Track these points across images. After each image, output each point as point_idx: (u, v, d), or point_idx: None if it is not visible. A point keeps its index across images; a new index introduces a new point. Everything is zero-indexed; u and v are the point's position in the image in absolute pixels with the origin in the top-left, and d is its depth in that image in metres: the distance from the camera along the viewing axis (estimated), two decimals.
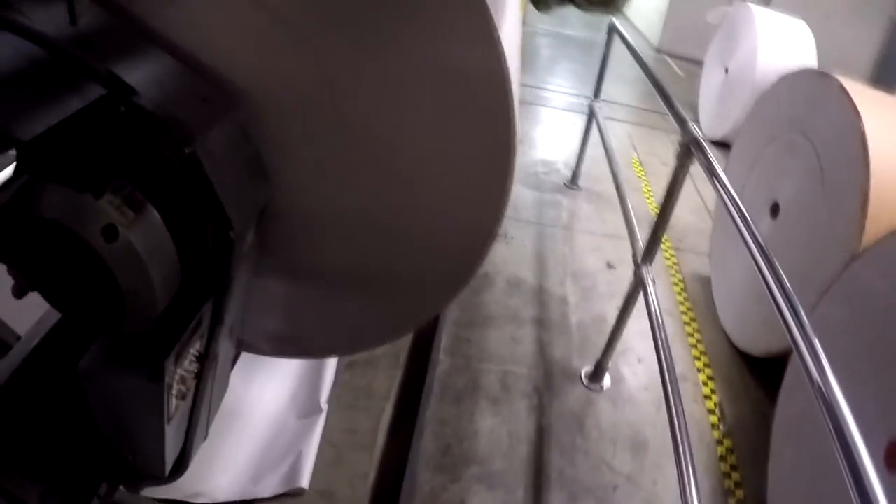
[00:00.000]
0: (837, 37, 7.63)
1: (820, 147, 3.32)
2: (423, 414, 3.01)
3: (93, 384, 1.32)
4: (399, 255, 1.73)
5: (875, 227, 2.80)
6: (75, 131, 1.13)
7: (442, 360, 3.35)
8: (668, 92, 2.95)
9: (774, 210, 3.72)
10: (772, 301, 1.82)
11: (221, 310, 1.42)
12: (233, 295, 1.43)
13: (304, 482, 2.64)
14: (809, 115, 3.49)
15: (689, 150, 2.45)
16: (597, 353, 3.55)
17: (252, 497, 2.58)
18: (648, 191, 6.01)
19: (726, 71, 7.80)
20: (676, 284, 4.55)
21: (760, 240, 2.02)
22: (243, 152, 1.41)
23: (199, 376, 1.47)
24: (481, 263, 1.74)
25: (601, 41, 5.16)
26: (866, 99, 3.09)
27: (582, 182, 5.65)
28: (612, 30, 4.72)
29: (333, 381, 3.13)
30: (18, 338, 1.91)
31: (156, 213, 1.16)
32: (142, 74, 1.22)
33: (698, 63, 9.83)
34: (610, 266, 4.56)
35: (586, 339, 3.78)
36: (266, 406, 2.96)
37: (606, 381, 3.47)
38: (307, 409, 2.97)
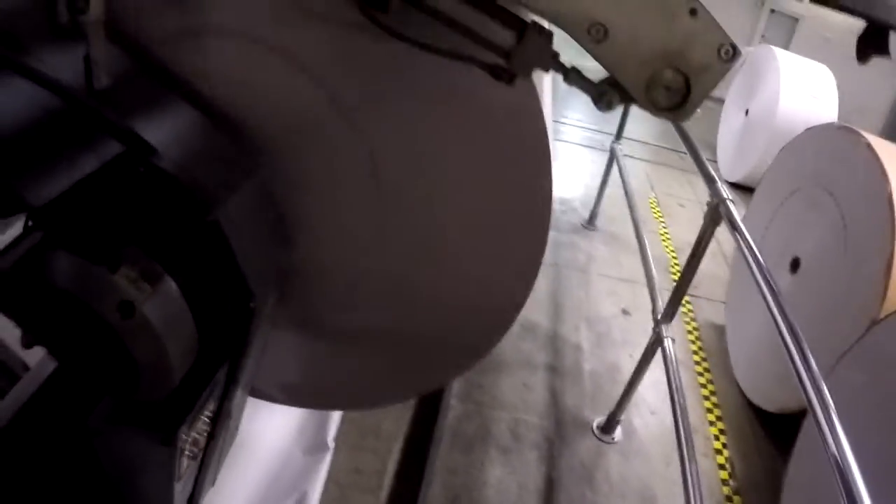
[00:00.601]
0: (855, 80, 7.55)
1: (844, 205, 3.28)
2: (433, 461, 2.97)
3: (101, 441, 1.30)
4: (421, 319, 1.70)
5: None
6: (90, 195, 1.08)
7: (453, 406, 3.32)
8: (696, 147, 2.92)
9: (794, 265, 3.68)
10: (788, 361, 1.81)
11: (237, 371, 1.39)
12: (249, 356, 1.41)
13: None
14: (835, 172, 3.46)
15: (718, 210, 2.42)
16: (609, 402, 3.51)
17: None
18: (665, 233, 5.97)
19: (746, 113, 7.75)
20: (691, 332, 4.51)
21: (780, 299, 2.02)
22: (266, 216, 1.37)
23: (212, 436, 1.45)
24: (505, 333, 1.71)
25: None
26: (894, 159, 3.05)
27: (599, 222, 5.62)
28: None
29: (341, 417, 3.07)
30: (25, 367, 1.89)
31: (173, 286, 1.12)
32: (162, 130, 1.17)
33: (716, 100, 9.81)
34: (625, 312, 4.52)
35: (599, 388, 3.74)
36: (272, 438, 2.83)
37: (618, 432, 3.43)
38: (314, 446, 2.87)
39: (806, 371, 1.74)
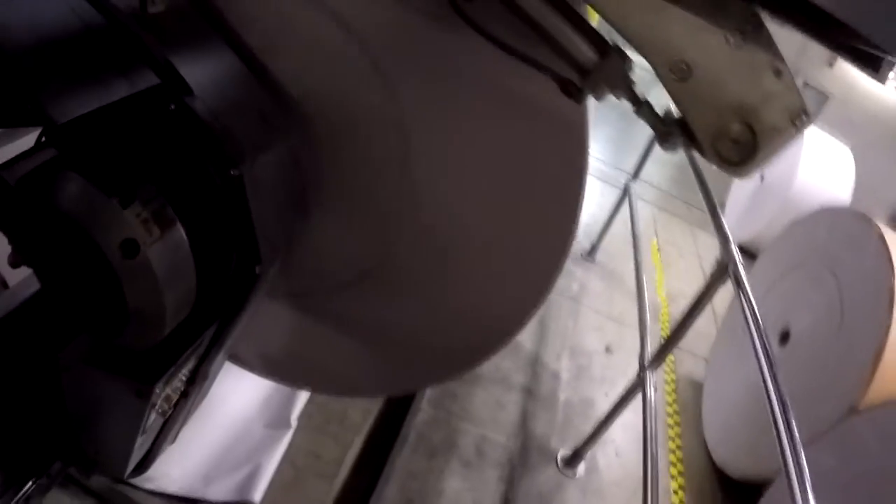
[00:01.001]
0: (871, 164, 7.56)
1: (846, 289, 3.26)
2: (394, 461, 2.93)
3: (70, 378, 1.26)
4: (424, 319, 1.67)
5: (881, 385, 2.74)
6: (115, 122, 1.04)
7: (423, 410, 3.28)
8: (715, 204, 2.90)
9: (784, 337, 3.67)
10: (774, 430, 1.88)
11: (224, 334, 1.36)
12: (240, 321, 1.38)
13: (257, 497, 2.53)
14: (842, 255, 3.44)
15: (726, 271, 2.40)
16: (576, 436, 3.48)
17: (199, 497, 2.48)
18: (661, 280, 5.95)
19: (762, 178, 7.74)
20: (668, 384, 4.48)
21: (775, 368, 2.09)
22: (289, 182, 1.33)
23: (185, 395, 1.41)
24: (497, 352, 1.68)
25: None
26: None
27: (599, 256, 5.59)
28: (667, 114, 4.65)
29: (308, 398, 3.03)
30: (4, 285, 1.84)
31: (183, 234, 1.07)
32: (203, 72, 1.13)
33: None
34: (608, 350, 4.49)
35: (569, 420, 3.70)
36: (234, 405, 2.83)
37: (581, 468, 3.39)
38: (276, 421, 2.85)
39: (789, 443, 1.80)
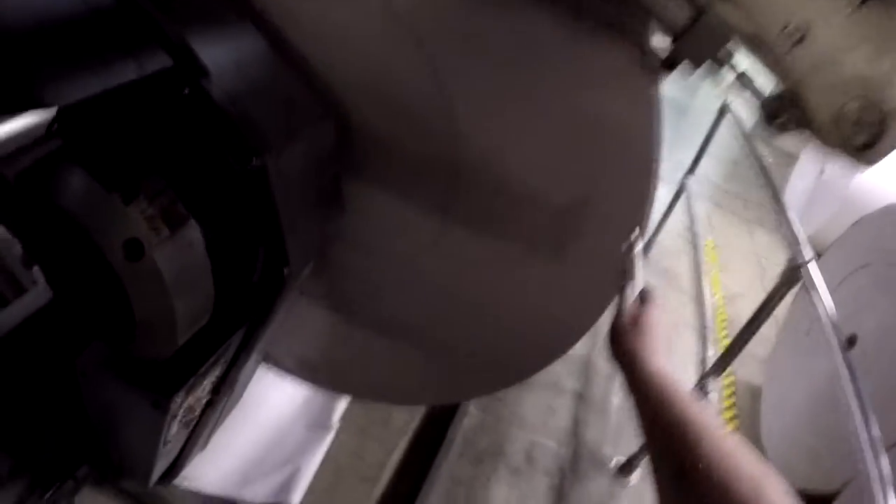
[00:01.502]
0: None
1: None
2: (439, 466, 2.82)
3: (88, 384, 1.16)
4: (464, 330, 1.54)
5: None
6: (121, 108, 0.92)
7: (471, 413, 3.16)
8: (783, 202, 2.72)
9: (851, 342, 3.46)
10: (853, 436, 1.82)
11: (252, 341, 1.24)
12: (269, 327, 1.26)
13: (295, 499, 2.46)
14: None
15: (797, 274, 2.24)
16: (631, 442, 3.33)
17: (236, 498, 2.41)
18: (717, 279, 5.75)
19: (822, 172, 7.46)
20: (726, 388, 4.29)
21: (855, 374, 2.03)
22: (321, 174, 1.20)
23: (210, 403, 1.30)
24: (547, 366, 1.56)
25: (695, 106, 4.89)
26: None
27: (653, 253, 5.40)
28: (723, 110, 4.45)
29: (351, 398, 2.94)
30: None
31: (198, 233, 0.95)
32: (221, 52, 1.00)
33: (787, 155, 9.49)
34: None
35: (623, 425, 3.55)
36: (274, 406, 2.75)
37: (635, 476, 3.24)
38: (317, 422, 2.77)
39: (869, 447, 1.75)
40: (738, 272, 6.02)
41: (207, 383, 1.21)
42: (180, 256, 0.92)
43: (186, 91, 0.94)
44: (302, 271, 1.19)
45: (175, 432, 1.25)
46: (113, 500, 2.16)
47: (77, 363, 1.13)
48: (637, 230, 1.23)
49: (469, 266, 1.45)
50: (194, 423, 1.32)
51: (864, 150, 0.90)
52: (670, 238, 5.43)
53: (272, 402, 2.74)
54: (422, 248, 1.44)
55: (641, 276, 1.16)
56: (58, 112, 0.90)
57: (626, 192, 1.29)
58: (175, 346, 1.00)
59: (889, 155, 0.91)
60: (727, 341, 4.77)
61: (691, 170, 4.92)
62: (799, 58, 0.88)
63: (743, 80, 0.97)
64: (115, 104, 0.90)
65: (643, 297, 1.12)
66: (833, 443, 3.27)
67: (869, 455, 1.72)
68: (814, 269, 2.23)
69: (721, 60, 0.96)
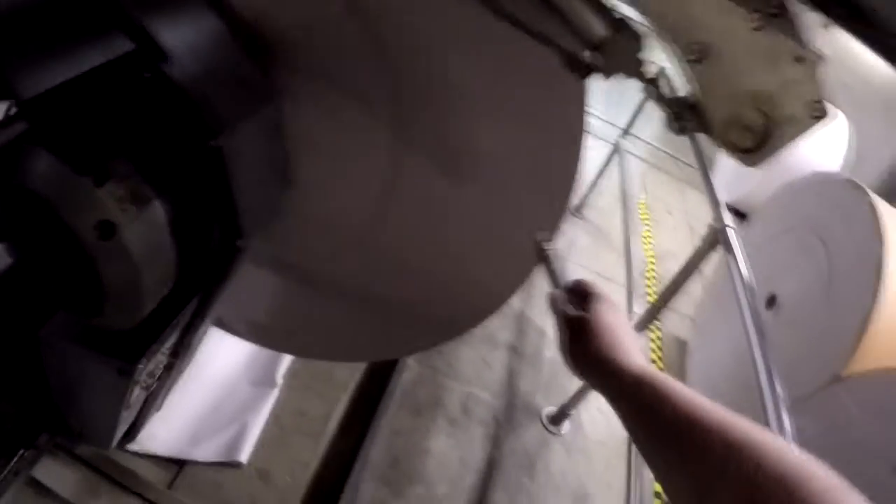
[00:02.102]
0: (864, 128, 7.52)
1: (834, 257, 3.25)
2: (379, 419, 2.93)
3: (51, 354, 1.23)
4: (405, 287, 1.63)
5: (866, 354, 2.75)
6: (87, 93, 0.97)
7: (409, 367, 3.27)
8: (706, 166, 2.87)
9: (771, 301, 3.66)
10: (759, 396, 1.92)
11: (206, 307, 1.33)
12: (222, 292, 1.35)
13: (244, 456, 2.52)
14: (832, 222, 3.42)
15: (718, 237, 2.39)
16: (562, 393, 3.49)
17: (186, 458, 2.46)
18: (648, 235, 5.94)
19: None
20: (654, 341, 4.49)
21: (763, 337, 2.12)
22: (272, 152, 1.28)
23: (169, 367, 1.39)
24: (486, 319, 1.66)
25: None
26: (893, 223, 3.02)
27: (587, 212, 5.55)
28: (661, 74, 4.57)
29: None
30: None
31: (161, 212, 1.02)
32: (178, 35, 1.04)
33: None
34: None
35: (554, 376, 3.71)
36: (219, 365, 2.81)
37: (566, 426, 3.41)
38: (261, 379, 2.83)
39: (773, 410, 1.84)
40: (669, 231, 6.22)
41: (166, 348, 1.29)
42: (147, 234, 0.99)
43: (147, 75, 1.00)
44: (253, 238, 1.27)
45: (136, 396, 1.32)
46: (68, 468, 2.22)
47: (40, 334, 1.18)
48: (548, 233, 1.26)
49: (402, 223, 1.53)
50: (154, 387, 1.40)
51: (751, 153, 1.03)
52: (604, 198, 5.57)
53: (217, 361, 2.80)
54: (358, 210, 1.53)
55: (567, 276, 1.13)
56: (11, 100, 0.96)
57: (553, 165, 1.37)
58: (141, 317, 1.08)
59: (773, 157, 1.03)
60: (655, 297, 4.98)
61: (626, 130, 5.06)
62: (702, 71, 1.00)
63: (651, 91, 1.08)
64: (82, 89, 0.95)
65: (582, 293, 1.04)
66: (751, 395, 3.47)
67: (772, 412, 1.84)
68: (732, 233, 2.37)
69: (634, 70, 1.07)
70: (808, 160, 6.13)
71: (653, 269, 5.43)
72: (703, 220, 6.61)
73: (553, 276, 1.14)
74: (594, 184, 5.34)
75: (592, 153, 6.46)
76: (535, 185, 1.42)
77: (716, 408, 0.77)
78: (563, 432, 3.40)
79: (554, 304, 1.05)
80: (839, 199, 3.47)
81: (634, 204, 6.25)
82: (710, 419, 0.75)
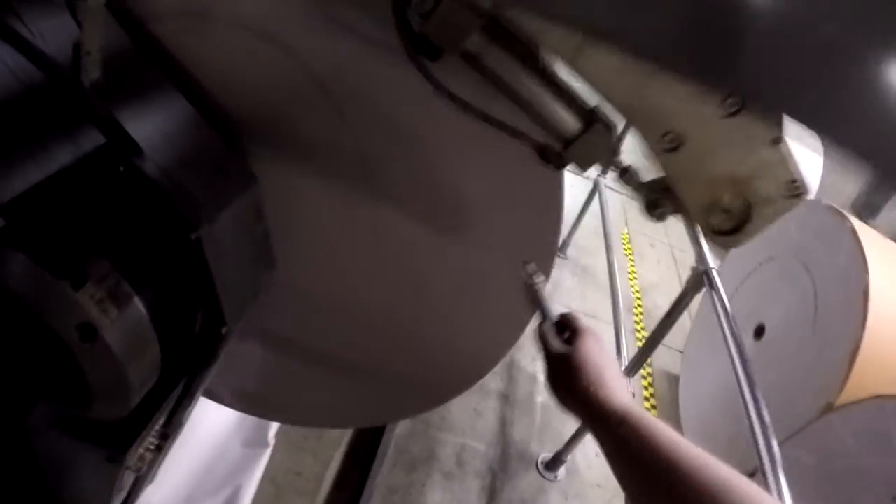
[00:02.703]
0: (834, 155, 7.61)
1: (819, 285, 3.28)
2: (374, 477, 2.91)
3: (40, 440, 1.21)
4: (393, 354, 1.63)
5: (858, 382, 2.76)
6: (61, 192, 0.96)
7: (401, 422, 3.25)
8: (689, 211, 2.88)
9: (759, 332, 3.68)
10: (748, 426, 1.93)
11: (194, 388, 1.32)
12: (210, 372, 1.34)
13: None
14: (815, 250, 3.45)
15: (702, 279, 2.41)
16: (556, 438, 3.49)
17: None
18: (633, 271, 5.97)
19: None
20: (645, 378, 4.49)
21: (748, 367, 2.14)
22: (253, 236, 1.28)
23: (159, 448, 1.37)
24: (473, 384, 1.66)
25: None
26: (876, 248, 3.05)
27: (570, 251, 5.57)
28: None
29: None
30: None
31: (142, 309, 1.00)
32: (152, 125, 1.04)
33: None
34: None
35: (548, 423, 3.71)
36: (210, 426, 2.68)
37: (561, 471, 3.40)
38: (253, 440, 2.75)
39: (763, 440, 1.84)
40: (653, 264, 6.25)
41: (155, 431, 1.28)
42: (129, 332, 0.98)
43: (121, 169, 1.00)
44: (238, 322, 1.26)
45: (126, 479, 1.31)
46: None
47: (28, 422, 1.17)
48: (533, 265, 1.24)
49: (383, 289, 1.53)
50: (145, 469, 1.38)
51: (732, 235, 1.04)
52: (585, 236, 5.60)
53: (207, 422, 2.71)
54: (341, 279, 1.53)
55: (553, 310, 1.14)
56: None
57: (534, 227, 1.39)
58: (129, 409, 1.07)
59: (751, 238, 1.04)
60: (644, 333, 4.99)
61: (604, 171, 5.09)
62: (676, 160, 1.00)
63: (627, 179, 1.09)
64: (55, 188, 0.94)
65: (568, 326, 1.06)
66: (745, 428, 3.46)
67: (762, 443, 1.84)
68: (715, 274, 2.39)
69: (608, 160, 1.09)
70: None
71: (639, 304, 5.44)
72: (686, 250, 6.69)
73: (541, 309, 1.14)
74: (575, 223, 5.37)
75: (573, 190, 6.52)
76: (517, 242, 1.42)
77: (697, 451, 0.79)
78: (559, 478, 3.38)
79: (541, 339, 1.06)
80: (820, 226, 3.50)
81: (617, 241, 6.28)
82: (690, 462, 0.77)
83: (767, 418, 1.91)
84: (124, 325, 0.98)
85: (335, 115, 1.26)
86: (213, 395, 1.96)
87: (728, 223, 1.03)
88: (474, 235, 1.40)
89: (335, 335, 1.64)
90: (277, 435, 2.78)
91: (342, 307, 1.56)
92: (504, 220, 1.38)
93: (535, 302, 1.16)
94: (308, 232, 1.45)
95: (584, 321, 1.06)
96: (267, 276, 1.37)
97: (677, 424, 4.14)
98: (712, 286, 2.35)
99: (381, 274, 1.49)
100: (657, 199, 1.08)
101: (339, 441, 3.02)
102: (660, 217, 1.08)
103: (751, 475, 2.69)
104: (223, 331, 1.17)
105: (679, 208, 1.06)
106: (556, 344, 1.03)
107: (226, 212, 1.10)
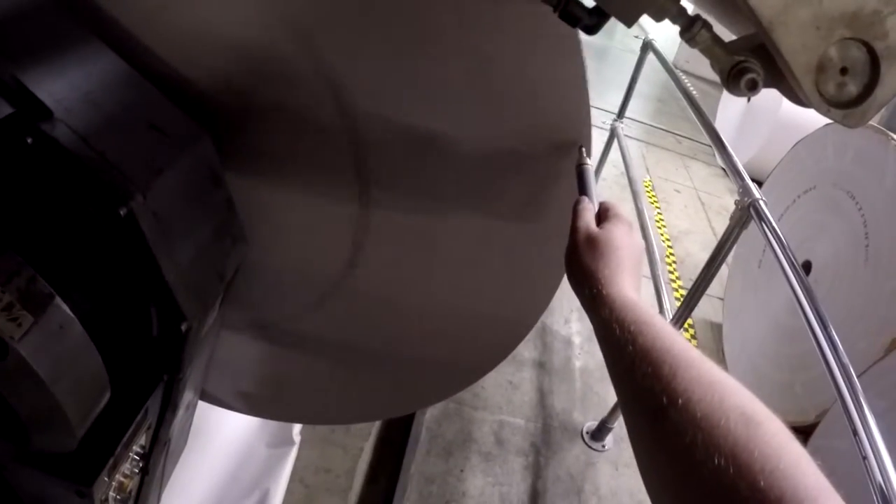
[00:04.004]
0: None
1: (868, 212, 3.01)
2: (408, 467, 2.70)
3: (10, 474, 1.02)
4: (406, 336, 1.43)
5: None
6: None
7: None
8: (724, 141, 2.63)
9: (806, 269, 3.42)
10: (823, 363, 1.75)
11: (173, 395, 1.10)
12: (187, 378, 1.12)
13: None
14: (858, 174, 3.18)
15: (749, 212, 2.16)
16: (600, 404, 3.27)
17: None
18: (660, 219, 5.71)
19: (748, 99, 7.44)
20: (686, 330, 4.25)
21: (815, 299, 1.94)
22: (209, 203, 1.04)
23: (145, 471, 1.17)
24: (510, 352, 1.45)
25: (614, 48, 4.77)
26: None
27: None
28: (647, 47, 4.35)
29: None
30: None
31: (67, 311, 0.79)
32: (66, 85, 0.85)
33: (713, 84, 9.49)
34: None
35: (589, 388, 3.48)
36: (232, 429, 2.56)
37: (609, 440, 3.17)
38: (278, 439, 2.61)
39: (841, 370, 1.68)
40: (680, 210, 6.00)
41: (134, 454, 1.07)
42: (52, 342, 0.76)
43: (29, 140, 0.79)
44: (206, 317, 1.04)
45: None
46: None
47: None
48: (582, 147, 1.14)
49: (399, 264, 1.33)
50: (135, 494, 1.18)
51: (853, 105, 0.75)
52: (607, 187, 5.37)
53: (228, 426, 2.57)
54: (342, 258, 1.32)
55: (596, 193, 1.07)
56: None
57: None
58: (76, 438, 0.86)
59: (881, 108, 0.76)
60: (679, 282, 4.76)
61: (620, 113, 4.83)
62: None
63: (700, 36, 0.81)
64: None
65: (603, 214, 1.00)
66: (802, 373, 3.24)
67: (842, 381, 1.65)
68: (763, 206, 2.15)
69: (665, 9, 0.80)
70: (813, 116, 5.91)
71: (671, 252, 5.20)
72: (713, 192, 6.44)
73: (586, 189, 1.08)
74: (596, 174, 5.11)
75: None
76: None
77: (686, 347, 0.70)
78: (607, 447, 3.15)
79: (575, 209, 1.01)
80: (861, 148, 3.22)
81: (641, 187, 6.03)
82: (676, 352, 0.69)
83: (842, 349, 1.73)
84: (44, 334, 0.75)
85: (308, 55, 1.05)
86: (212, 399, 1.77)
87: (849, 88, 0.75)
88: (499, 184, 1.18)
89: (337, 321, 1.43)
90: (302, 431, 2.61)
91: (337, 287, 1.35)
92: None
93: (582, 182, 1.10)
94: (293, 207, 1.24)
95: (626, 213, 1.01)
96: (236, 254, 1.13)
97: None
98: (761, 218, 2.10)
99: (376, 245, 1.28)
100: (743, 64, 0.78)
101: (367, 431, 2.85)
102: (750, 87, 0.78)
103: (813, 425, 2.48)
104: (183, 328, 0.94)
105: (776, 73, 0.77)
106: (588, 220, 0.98)
107: (164, 177, 0.88)
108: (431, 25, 1.01)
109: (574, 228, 0.97)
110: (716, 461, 0.55)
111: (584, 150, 1.14)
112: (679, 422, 0.60)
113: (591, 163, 1.13)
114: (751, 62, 0.78)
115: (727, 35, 0.87)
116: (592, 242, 0.92)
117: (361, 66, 1.06)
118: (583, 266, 0.90)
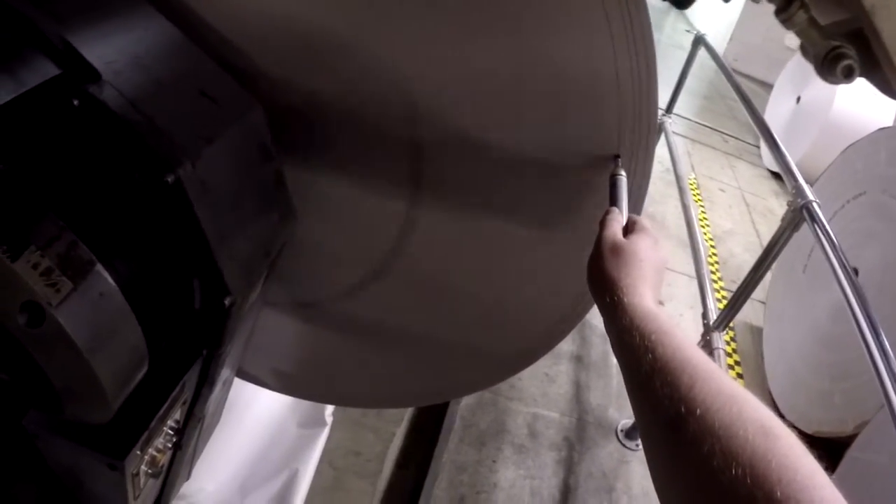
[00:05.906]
0: None
1: None
2: (441, 454, 2.68)
3: (43, 444, 1.01)
4: (446, 325, 1.39)
5: None
6: None
7: None
8: (777, 139, 2.56)
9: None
10: (873, 370, 1.67)
11: (211, 370, 1.08)
12: (227, 354, 1.10)
13: None
14: None
15: (801, 214, 2.10)
16: None
17: None
18: (704, 218, 5.61)
19: (798, 100, 7.27)
20: (727, 332, 4.17)
21: (867, 304, 1.84)
22: (258, 176, 1.02)
23: (179, 446, 1.15)
24: (555, 344, 1.42)
25: (662, 42, 4.67)
26: None
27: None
28: (699, 41, 4.26)
29: None
30: None
31: (108, 279, 0.76)
32: (115, 49, 0.82)
33: (761, 84, 9.32)
34: (659, 303, 4.19)
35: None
36: (264, 407, 2.57)
37: None
38: (309, 420, 2.61)
39: (892, 382, 1.60)
40: (725, 209, 5.90)
41: (168, 429, 1.06)
42: (91, 310, 0.74)
43: (76, 102, 0.76)
44: (251, 292, 1.02)
45: (144, 484, 1.10)
46: None
47: (24, 424, 0.96)
48: (618, 158, 1.15)
49: (446, 251, 1.30)
50: (166, 468, 1.17)
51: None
52: (651, 183, 5.26)
53: (260, 404, 2.56)
54: (389, 239, 1.29)
55: (626, 205, 1.08)
56: None
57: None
58: (111, 410, 0.84)
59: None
60: (721, 283, 4.67)
61: (669, 108, 4.75)
62: None
63: (797, 18, 0.75)
64: None
65: (630, 227, 1.01)
66: (843, 383, 3.16)
67: (892, 389, 1.59)
68: (817, 208, 2.08)
69: None
70: (859, 117, 5.75)
71: (714, 253, 5.11)
72: (758, 193, 6.32)
73: (616, 201, 1.09)
74: None
75: None
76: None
77: (705, 359, 0.70)
78: (640, 447, 3.10)
79: (603, 219, 1.03)
80: None
81: (686, 184, 5.94)
82: (696, 363, 0.69)
83: (892, 357, 1.66)
84: (83, 301, 0.73)
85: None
86: (250, 377, 1.76)
87: None
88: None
89: (382, 302, 1.41)
90: (334, 413, 2.60)
91: (384, 270, 1.33)
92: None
93: (614, 192, 1.11)
94: (346, 184, 1.22)
95: (653, 228, 1.01)
96: (283, 231, 1.11)
97: (762, 379, 3.84)
98: (814, 220, 2.04)
99: (427, 229, 1.25)
100: (840, 49, 0.74)
101: (400, 417, 2.82)
102: (846, 74, 0.73)
103: (851, 436, 2.40)
104: (227, 302, 0.92)
105: (869, 62, 0.72)
106: (615, 230, 0.99)
107: (214, 146, 0.85)
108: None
109: (600, 237, 0.99)
110: (733, 471, 0.54)
111: (619, 160, 1.15)
112: (697, 431, 0.60)
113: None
114: (847, 48, 0.73)
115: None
116: (616, 251, 0.93)
117: (425, 62, 1.03)
118: (605, 274, 0.91)
